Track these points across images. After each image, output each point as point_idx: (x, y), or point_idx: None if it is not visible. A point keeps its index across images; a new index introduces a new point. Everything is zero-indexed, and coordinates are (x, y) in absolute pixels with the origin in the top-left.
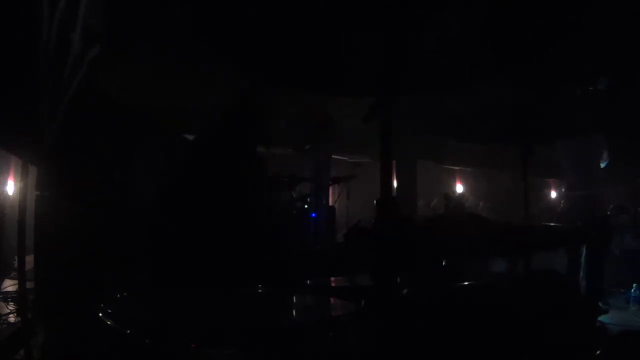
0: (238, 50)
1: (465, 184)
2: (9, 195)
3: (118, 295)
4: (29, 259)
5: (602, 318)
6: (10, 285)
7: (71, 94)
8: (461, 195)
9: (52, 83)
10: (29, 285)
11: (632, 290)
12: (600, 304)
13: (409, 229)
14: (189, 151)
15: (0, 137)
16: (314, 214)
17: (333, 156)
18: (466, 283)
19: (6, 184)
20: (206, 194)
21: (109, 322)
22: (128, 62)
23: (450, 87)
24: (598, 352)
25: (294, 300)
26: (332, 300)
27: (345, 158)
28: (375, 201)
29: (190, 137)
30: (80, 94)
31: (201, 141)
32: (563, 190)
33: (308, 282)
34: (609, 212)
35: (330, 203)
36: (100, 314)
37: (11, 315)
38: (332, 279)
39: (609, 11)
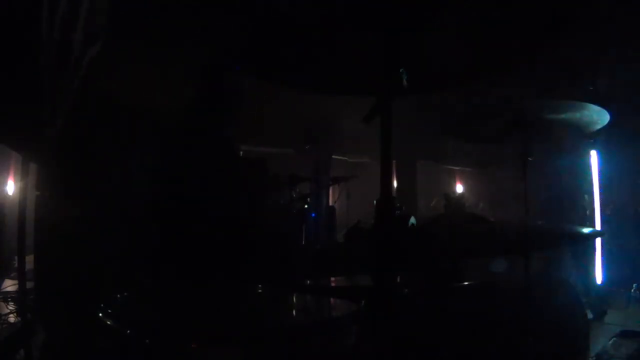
0: (239, 51)
1: (465, 184)
2: (9, 195)
3: (118, 295)
4: (29, 259)
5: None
6: (10, 285)
7: (73, 92)
8: (461, 195)
9: (54, 81)
10: (29, 285)
11: (632, 290)
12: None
13: (408, 229)
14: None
15: (3, 134)
16: (314, 214)
17: (333, 156)
18: (466, 283)
19: (6, 184)
20: (197, 191)
21: (109, 322)
22: (129, 61)
23: (450, 87)
24: (598, 352)
25: (294, 300)
26: (332, 300)
27: (345, 158)
28: (375, 201)
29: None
30: (81, 93)
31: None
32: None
33: (308, 282)
34: (608, 212)
35: (330, 203)
36: (100, 314)
37: (11, 315)
38: (332, 279)
39: (608, 11)
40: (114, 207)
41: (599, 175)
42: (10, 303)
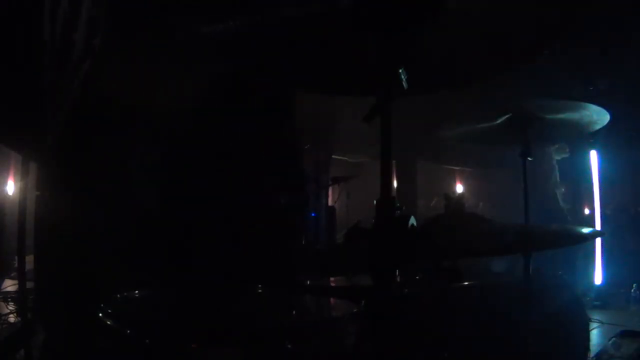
0: (239, 50)
1: (465, 184)
2: (9, 195)
3: (118, 295)
4: (29, 259)
5: (602, 318)
6: (10, 285)
7: (73, 91)
8: (461, 195)
9: (56, 80)
10: (29, 285)
11: (632, 290)
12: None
13: (408, 229)
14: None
15: (3, 134)
16: (314, 214)
17: (333, 156)
18: (466, 283)
19: (6, 184)
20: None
21: (109, 322)
22: (130, 61)
23: (450, 87)
24: (598, 352)
25: (294, 300)
26: (332, 300)
27: (345, 158)
28: (375, 201)
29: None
30: (81, 93)
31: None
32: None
33: (308, 282)
34: (608, 212)
35: (330, 203)
36: (100, 314)
37: (11, 315)
38: (332, 279)
39: (608, 11)
40: (113, 207)
41: (599, 175)
42: (10, 303)
